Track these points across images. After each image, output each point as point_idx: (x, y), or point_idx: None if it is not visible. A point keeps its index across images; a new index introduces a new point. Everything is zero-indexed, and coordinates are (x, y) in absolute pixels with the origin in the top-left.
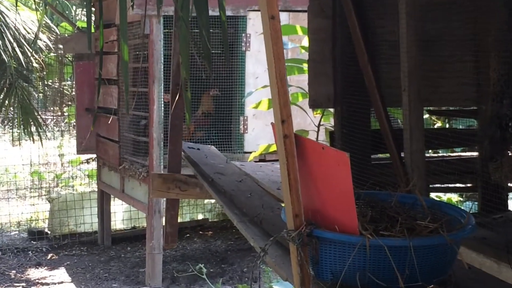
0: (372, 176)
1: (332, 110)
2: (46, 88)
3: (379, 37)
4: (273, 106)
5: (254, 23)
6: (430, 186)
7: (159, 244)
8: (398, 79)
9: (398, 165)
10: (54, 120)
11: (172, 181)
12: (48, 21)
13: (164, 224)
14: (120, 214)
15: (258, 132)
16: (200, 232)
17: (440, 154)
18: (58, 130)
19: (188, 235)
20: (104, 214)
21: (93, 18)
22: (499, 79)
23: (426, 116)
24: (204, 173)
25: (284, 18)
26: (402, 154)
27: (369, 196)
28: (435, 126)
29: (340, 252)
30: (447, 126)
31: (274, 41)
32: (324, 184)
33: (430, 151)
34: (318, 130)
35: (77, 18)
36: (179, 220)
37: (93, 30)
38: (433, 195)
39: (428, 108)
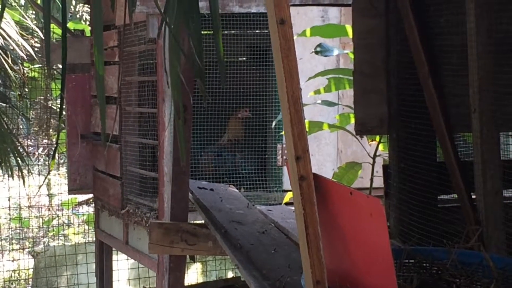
0: (439, 225)
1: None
2: (29, 108)
3: (444, 41)
4: (286, 138)
5: (294, 22)
6: None
7: None
8: (468, 97)
9: (468, 210)
10: (46, 150)
11: (176, 232)
12: (30, 23)
13: None
14: (125, 272)
15: None
16: None
17: None
18: (45, 163)
19: None
20: (104, 272)
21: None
22: None
23: None
24: (217, 222)
25: (335, 15)
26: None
27: (420, 254)
28: None
29: None
30: None
31: (284, 54)
32: (354, 240)
33: None
34: (374, 162)
35: (71, 17)
36: (202, 279)
37: (88, 34)
38: None
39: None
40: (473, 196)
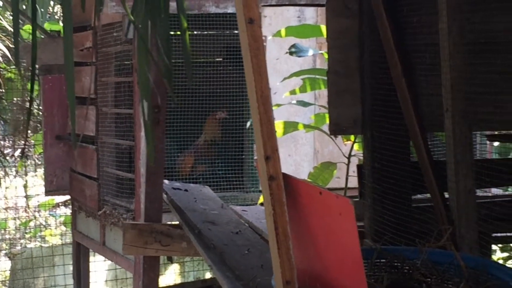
0: (412, 225)
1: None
2: (6, 109)
3: (416, 41)
4: (255, 138)
5: (271, 22)
6: (494, 235)
7: None
8: (440, 96)
9: (440, 209)
10: (25, 151)
11: (150, 233)
12: (6, 24)
13: None
14: (103, 274)
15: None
16: None
17: (507, 193)
18: (22, 164)
19: None
20: (81, 273)
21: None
22: None
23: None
24: (191, 222)
25: (311, 15)
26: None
27: (391, 253)
28: None
29: None
30: None
31: (253, 53)
32: (324, 241)
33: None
34: (349, 162)
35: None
36: (180, 280)
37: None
38: None
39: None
40: (447, 196)
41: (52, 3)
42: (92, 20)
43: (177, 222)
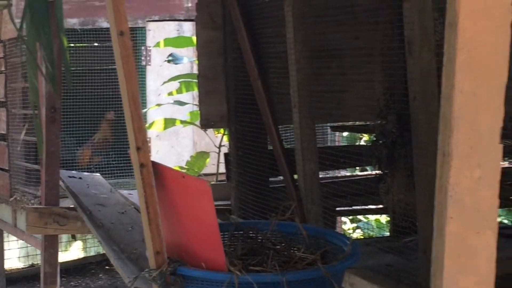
0: (270, 203)
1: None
2: None
3: (270, 48)
4: (128, 132)
5: (155, 35)
6: (338, 209)
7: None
8: (290, 95)
9: (291, 189)
10: None
11: (49, 215)
12: None
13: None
14: (16, 251)
15: (163, 154)
16: (107, 267)
17: (348, 174)
18: None
19: (93, 271)
20: None
21: None
22: (384, 93)
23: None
24: (83, 205)
25: (189, 28)
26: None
27: (247, 226)
28: (362, 142)
29: None
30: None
31: (124, 60)
32: (188, 217)
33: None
34: (219, 151)
35: None
36: (84, 254)
37: None
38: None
39: (333, 124)
40: (296, 177)
41: None
42: (2, 35)
43: (73, 205)
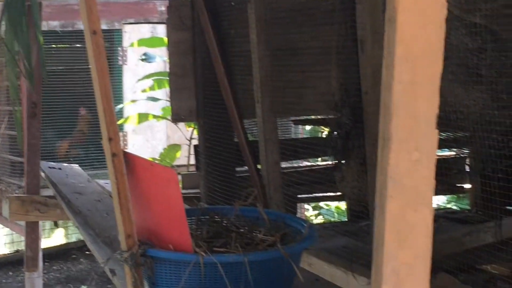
0: (236, 190)
1: None
2: None
3: (235, 47)
4: (100, 124)
5: (131, 36)
6: (299, 196)
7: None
8: (253, 91)
9: (255, 177)
10: None
11: (30, 203)
12: None
13: (25, 248)
14: (2, 238)
15: (139, 147)
16: (87, 253)
17: (309, 164)
18: None
19: (74, 256)
20: None
21: None
22: (339, 88)
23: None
24: (62, 193)
25: (162, 30)
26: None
27: (213, 211)
28: (323, 135)
29: (175, 271)
30: None
31: (96, 58)
32: (156, 203)
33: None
34: (190, 143)
35: None
36: (66, 240)
37: None
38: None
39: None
40: (259, 167)
41: None
42: None
43: (53, 194)
